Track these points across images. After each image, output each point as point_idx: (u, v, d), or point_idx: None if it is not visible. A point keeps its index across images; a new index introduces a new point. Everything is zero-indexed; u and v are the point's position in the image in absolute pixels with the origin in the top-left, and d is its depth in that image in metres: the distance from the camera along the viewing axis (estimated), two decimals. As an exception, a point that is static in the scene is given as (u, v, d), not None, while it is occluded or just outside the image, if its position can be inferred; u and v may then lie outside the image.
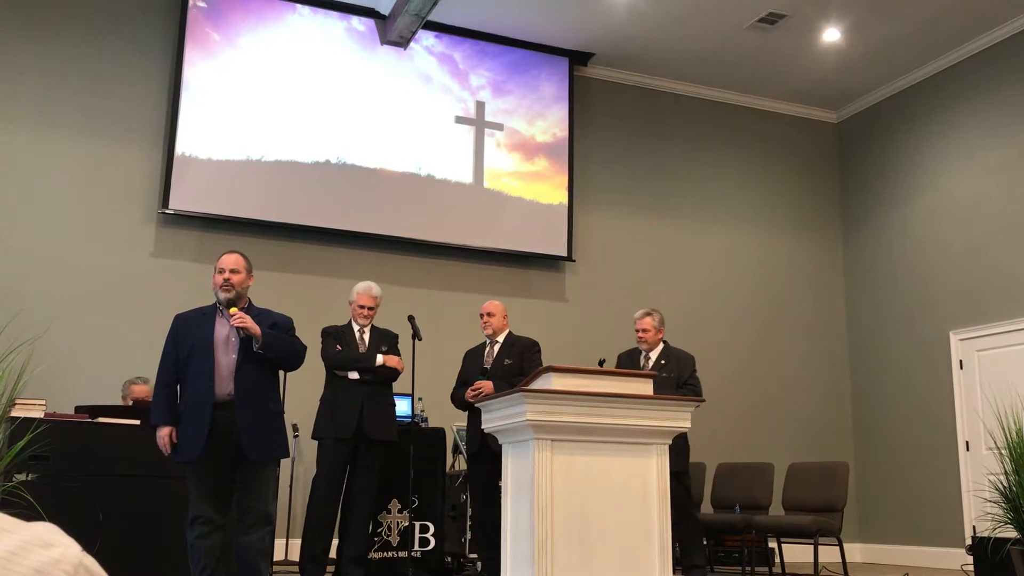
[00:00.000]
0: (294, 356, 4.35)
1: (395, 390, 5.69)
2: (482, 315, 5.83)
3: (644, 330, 6.00)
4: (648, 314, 6.06)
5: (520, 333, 5.92)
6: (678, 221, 9.04)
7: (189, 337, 4.15)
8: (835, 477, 6.47)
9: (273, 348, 4.16)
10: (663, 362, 5.91)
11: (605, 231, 8.73)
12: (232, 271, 4.17)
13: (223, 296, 4.16)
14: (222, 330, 4.16)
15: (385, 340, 5.61)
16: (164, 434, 4.08)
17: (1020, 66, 7.94)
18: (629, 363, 6.03)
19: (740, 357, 8.82)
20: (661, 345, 6.03)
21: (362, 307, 5.58)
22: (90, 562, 0.67)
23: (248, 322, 4.08)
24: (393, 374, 5.54)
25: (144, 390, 5.87)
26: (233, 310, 4.12)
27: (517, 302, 7.88)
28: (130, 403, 5.71)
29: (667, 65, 8.91)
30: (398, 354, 5.59)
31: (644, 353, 6.03)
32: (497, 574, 4.62)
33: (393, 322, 5.99)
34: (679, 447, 5.28)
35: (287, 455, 4.42)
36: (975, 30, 8.15)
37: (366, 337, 5.58)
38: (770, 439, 8.68)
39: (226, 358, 4.12)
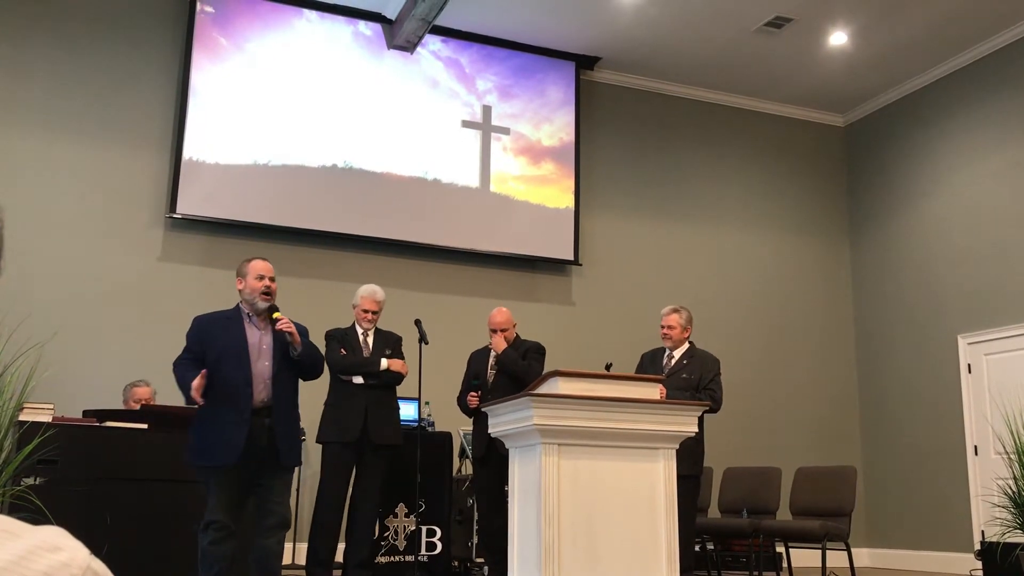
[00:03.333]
0: (322, 364, 4.48)
1: (401, 394, 5.69)
2: (495, 330, 5.71)
3: (669, 327, 5.71)
4: (675, 311, 5.76)
5: (527, 337, 5.91)
6: (685, 225, 9.04)
7: (217, 341, 4.12)
8: (843, 481, 6.45)
9: (309, 355, 4.23)
10: (685, 362, 5.65)
11: (612, 235, 8.73)
12: (271, 279, 4.21)
13: (262, 304, 4.17)
14: (253, 336, 4.16)
15: (389, 343, 5.60)
16: (198, 379, 3.90)
17: (1028, 69, 7.93)
18: (652, 362, 5.78)
19: (747, 361, 8.80)
20: (686, 345, 5.74)
21: (366, 311, 5.58)
22: (98, 566, 0.67)
23: (293, 328, 4.13)
24: (397, 378, 5.53)
25: (146, 392, 5.87)
26: (278, 315, 4.15)
27: (524, 306, 7.87)
28: (132, 406, 5.71)
29: (673, 69, 8.90)
30: (402, 357, 5.59)
31: (668, 352, 5.75)
32: (504, 578, 4.61)
33: (400, 326, 5.99)
34: (692, 451, 5.18)
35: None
36: (982, 34, 8.13)
37: (370, 340, 5.57)
38: (777, 443, 8.66)
39: (260, 364, 4.12)
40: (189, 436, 4.18)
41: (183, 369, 4.08)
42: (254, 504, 4.14)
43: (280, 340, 4.16)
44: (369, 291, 5.65)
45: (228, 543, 4.01)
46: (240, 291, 4.24)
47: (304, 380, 4.40)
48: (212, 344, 4.12)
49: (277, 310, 4.18)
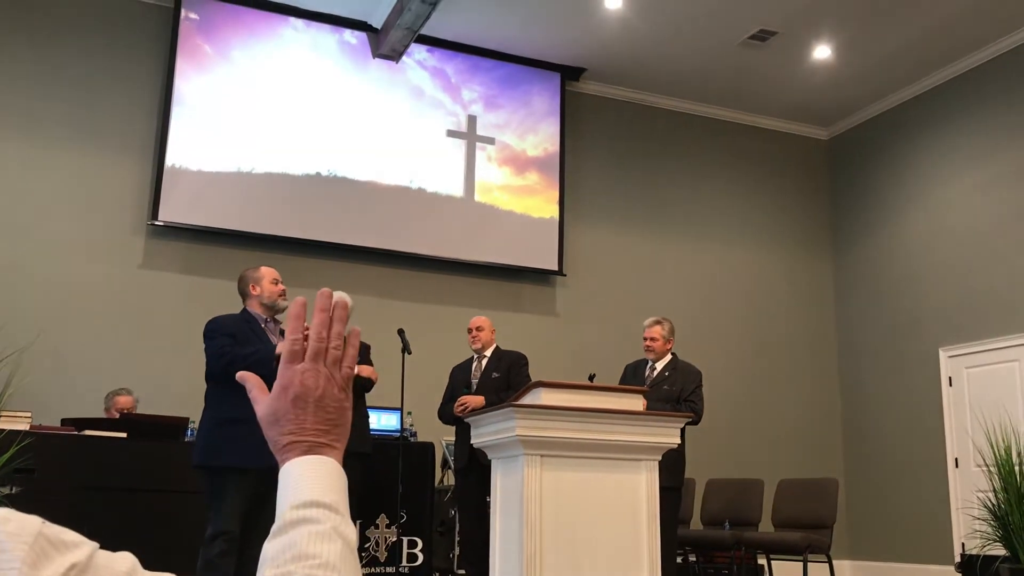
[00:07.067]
0: None
1: (383, 404, 5.66)
2: (470, 330, 5.82)
3: (652, 339, 5.77)
4: (658, 323, 5.83)
5: (511, 347, 5.91)
6: (669, 236, 9.06)
7: (247, 341, 4.09)
8: (825, 494, 6.46)
9: None
10: (667, 374, 5.70)
11: (596, 246, 8.73)
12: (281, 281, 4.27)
13: (284, 303, 4.21)
14: (273, 340, 4.17)
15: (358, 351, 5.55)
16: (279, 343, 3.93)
17: (1008, 85, 8.00)
18: (635, 374, 5.83)
19: (730, 373, 8.81)
20: (669, 356, 5.80)
21: None
22: (51, 531, 0.66)
23: None
24: (367, 384, 5.49)
25: (128, 401, 5.81)
26: None
27: (508, 316, 7.87)
28: (114, 415, 5.66)
29: (658, 81, 8.94)
30: (371, 364, 5.55)
31: (650, 363, 5.81)
32: (485, 590, 4.59)
33: (383, 335, 5.96)
34: (673, 463, 5.19)
35: None
36: (964, 49, 8.21)
37: None
38: (760, 455, 8.67)
39: None
40: (201, 437, 4.07)
41: (239, 348, 3.99)
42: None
43: None
44: (336, 298, 5.61)
45: (233, 555, 3.96)
46: (255, 296, 4.24)
47: None
48: (243, 343, 4.07)
49: None
